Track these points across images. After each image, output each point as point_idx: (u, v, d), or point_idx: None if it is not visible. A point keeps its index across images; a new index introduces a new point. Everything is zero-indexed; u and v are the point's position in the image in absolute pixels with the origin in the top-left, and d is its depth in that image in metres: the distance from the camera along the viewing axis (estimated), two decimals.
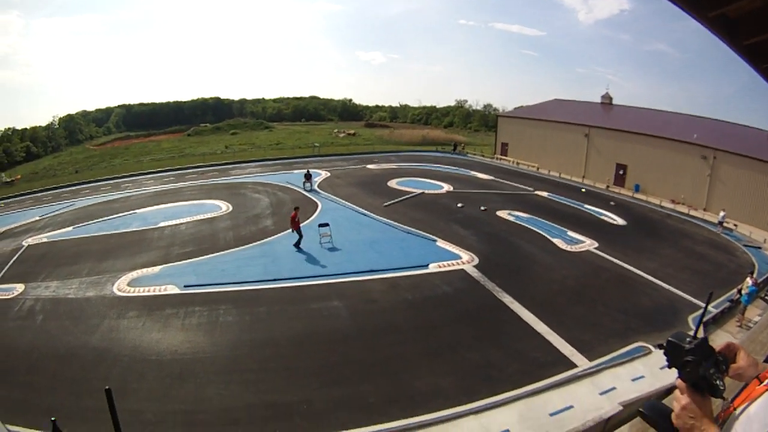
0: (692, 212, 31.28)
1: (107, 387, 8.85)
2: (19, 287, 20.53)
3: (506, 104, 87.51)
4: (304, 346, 14.40)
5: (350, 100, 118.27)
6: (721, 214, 28.40)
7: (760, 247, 25.15)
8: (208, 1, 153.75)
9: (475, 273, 18.24)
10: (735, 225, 28.62)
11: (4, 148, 76.97)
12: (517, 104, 67.71)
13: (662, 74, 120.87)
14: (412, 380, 12.23)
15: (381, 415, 11.05)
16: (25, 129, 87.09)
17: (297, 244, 21.66)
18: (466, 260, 19.45)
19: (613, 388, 11.44)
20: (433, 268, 18.82)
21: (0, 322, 17.65)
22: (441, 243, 21.51)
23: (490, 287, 16.97)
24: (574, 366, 12.44)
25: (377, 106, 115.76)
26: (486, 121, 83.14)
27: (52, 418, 9.04)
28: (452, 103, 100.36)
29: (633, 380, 11.78)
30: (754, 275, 19.04)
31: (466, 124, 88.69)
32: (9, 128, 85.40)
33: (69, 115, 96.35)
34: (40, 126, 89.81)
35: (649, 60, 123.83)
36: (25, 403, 12.78)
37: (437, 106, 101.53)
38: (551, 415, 10.57)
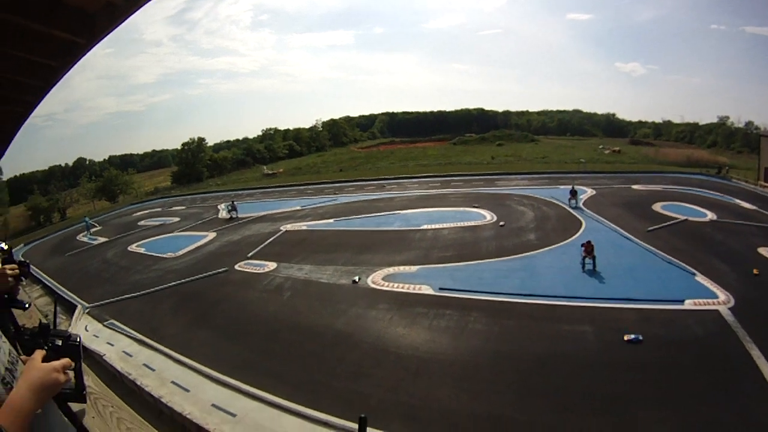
0: None
1: (362, 415, 9.89)
2: (271, 265, 24.78)
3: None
4: (545, 366, 14.07)
5: (614, 115, 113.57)
6: None
7: None
8: (461, 20, 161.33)
9: (729, 316, 16.79)
10: None
11: (266, 145, 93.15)
12: None
13: None
14: (639, 426, 11.73)
15: None
16: (288, 129, 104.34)
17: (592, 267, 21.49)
18: (722, 300, 18.00)
19: None
20: (688, 304, 17.75)
21: (247, 292, 21.80)
22: (700, 278, 20.12)
23: (741, 335, 15.56)
24: None
25: (640, 122, 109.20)
26: (748, 140, 72.38)
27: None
28: (714, 120, 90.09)
29: None
30: None
31: (729, 144, 78.59)
32: (270, 128, 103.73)
33: (332, 120, 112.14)
34: (303, 128, 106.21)
35: None
36: (254, 364, 15.14)
37: (699, 123, 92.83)
38: None
